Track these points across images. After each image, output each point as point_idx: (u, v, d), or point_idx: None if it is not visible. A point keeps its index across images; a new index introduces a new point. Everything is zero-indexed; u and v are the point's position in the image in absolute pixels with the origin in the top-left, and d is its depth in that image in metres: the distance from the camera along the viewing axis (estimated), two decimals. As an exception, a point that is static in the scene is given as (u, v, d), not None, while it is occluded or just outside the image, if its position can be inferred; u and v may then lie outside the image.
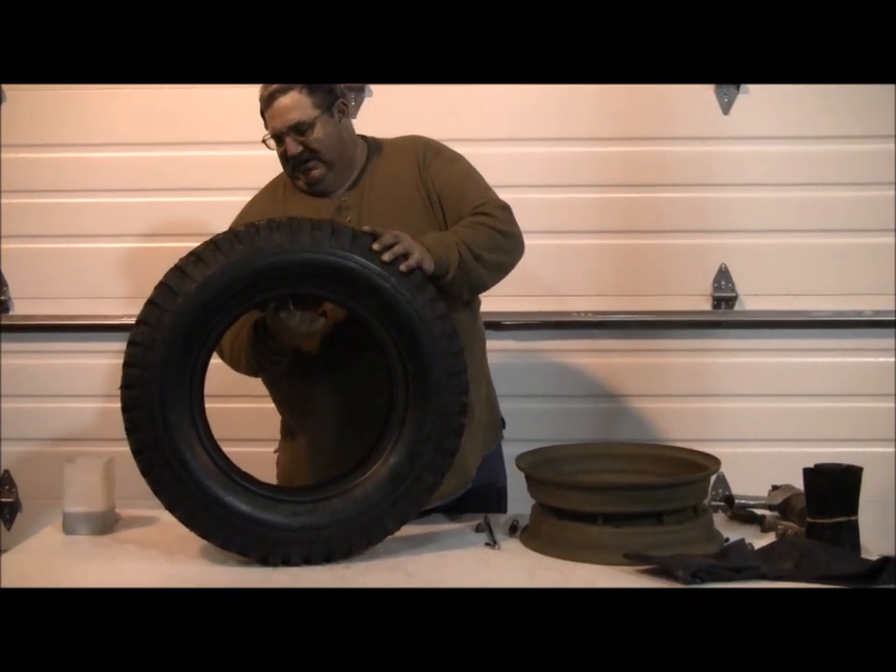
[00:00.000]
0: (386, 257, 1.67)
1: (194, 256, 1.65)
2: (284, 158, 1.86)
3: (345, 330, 1.82)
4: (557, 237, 2.57)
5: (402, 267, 1.68)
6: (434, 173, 1.86)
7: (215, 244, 1.66)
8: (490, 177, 1.95)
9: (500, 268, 1.82)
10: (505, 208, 1.85)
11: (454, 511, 1.94)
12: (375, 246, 1.67)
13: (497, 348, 2.43)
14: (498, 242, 1.80)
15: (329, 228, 1.67)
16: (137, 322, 1.65)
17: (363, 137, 1.94)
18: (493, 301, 2.08)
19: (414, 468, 1.71)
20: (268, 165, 1.95)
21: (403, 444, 1.71)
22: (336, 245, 1.65)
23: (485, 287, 1.85)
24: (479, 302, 1.98)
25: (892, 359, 2.54)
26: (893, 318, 2.52)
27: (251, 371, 1.86)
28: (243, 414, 2.50)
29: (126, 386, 1.65)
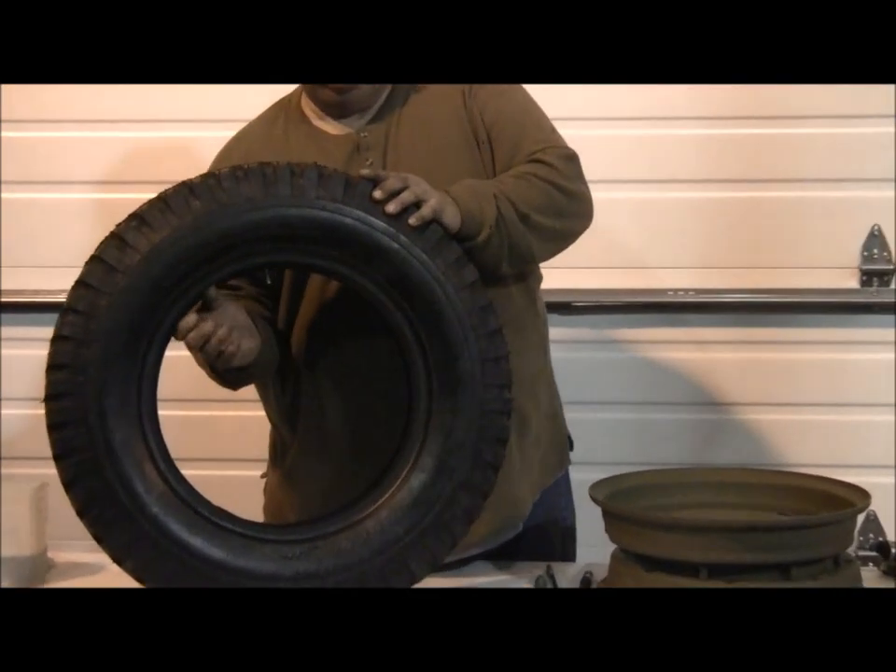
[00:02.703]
0: (392, 207, 1.64)
1: (136, 219, 1.64)
2: None
3: (344, 311, 1.83)
4: (646, 188, 2.57)
5: (412, 219, 1.66)
6: (483, 102, 1.86)
7: (163, 201, 1.64)
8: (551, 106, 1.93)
9: (557, 236, 1.82)
10: (571, 158, 1.84)
11: (502, 558, 1.92)
12: (377, 194, 1.65)
13: (564, 338, 2.44)
14: (556, 201, 1.79)
15: (314, 173, 1.66)
16: (64, 310, 1.64)
17: None
18: (558, 276, 2.06)
19: (445, 488, 1.70)
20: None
21: (429, 457, 1.71)
22: (325, 195, 1.64)
23: (533, 260, 1.84)
24: (538, 277, 1.96)
25: None
26: None
27: (222, 384, 1.85)
28: (218, 426, 2.53)
29: (52, 397, 1.63)
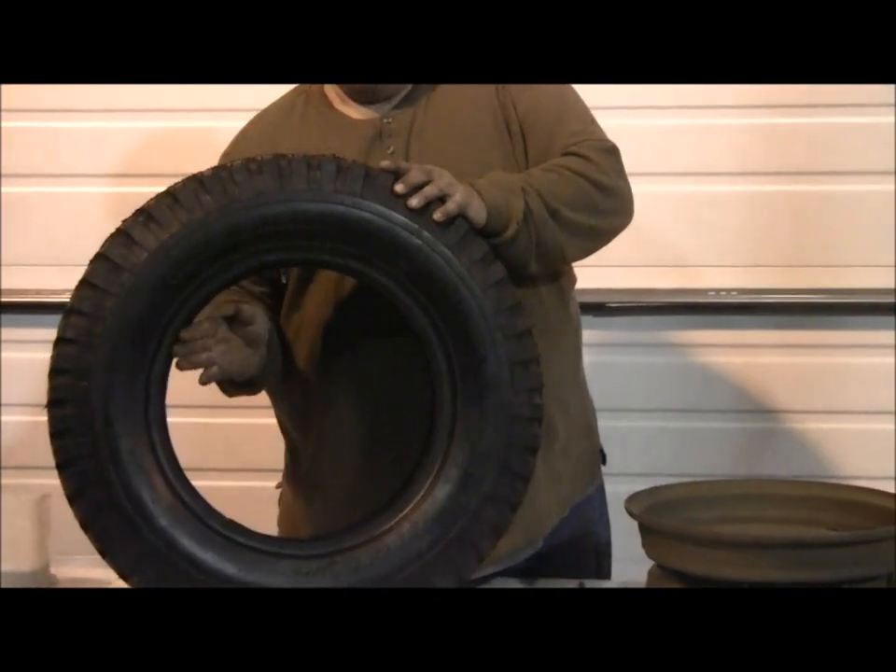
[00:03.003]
0: (415, 202, 1.63)
1: (143, 214, 1.63)
2: None
3: (361, 311, 1.82)
4: (686, 181, 2.55)
5: (437, 214, 1.64)
6: (517, 90, 1.84)
7: (172, 196, 1.63)
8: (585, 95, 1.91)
9: (590, 234, 1.80)
10: (610, 151, 1.82)
11: (530, 574, 1.89)
12: (398, 188, 1.64)
13: (598, 342, 2.44)
14: (591, 198, 1.77)
15: (332, 166, 1.64)
16: (67, 311, 1.63)
17: None
18: (591, 274, 2.04)
19: (471, 500, 1.69)
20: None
21: (453, 467, 1.69)
22: (343, 188, 1.63)
23: (564, 259, 1.82)
24: (572, 278, 1.94)
25: None
26: None
27: (222, 391, 1.84)
28: (231, 434, 2.52)
29: (55, 403, 1.62)
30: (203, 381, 1.69)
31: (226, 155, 1.87)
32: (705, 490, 1.87)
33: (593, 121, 1.86)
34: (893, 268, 2.53)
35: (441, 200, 1.64)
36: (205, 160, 1.76)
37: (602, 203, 1.78)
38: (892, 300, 2.54)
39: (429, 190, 1.63)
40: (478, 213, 1.67)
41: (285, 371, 1.86)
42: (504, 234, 1.69)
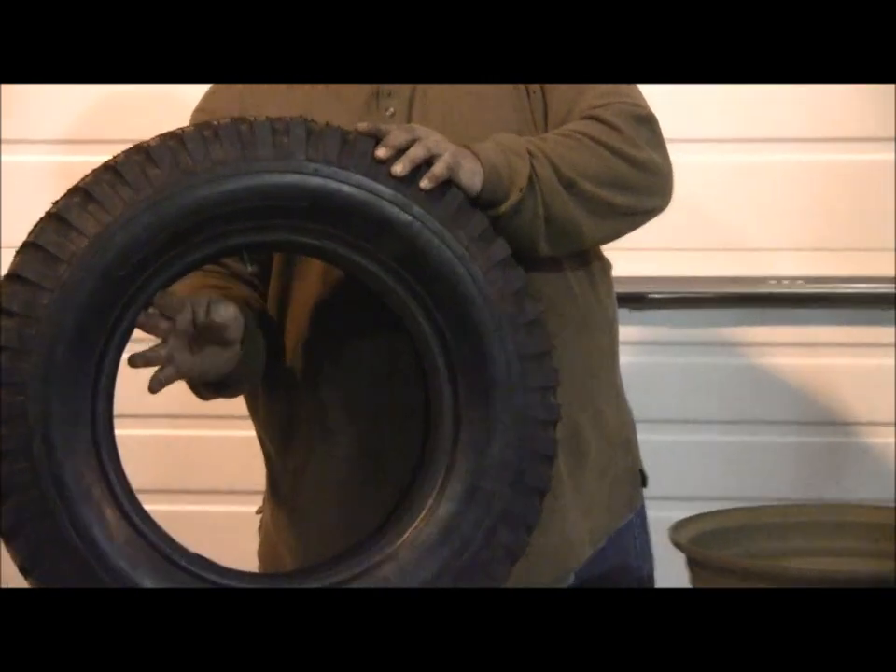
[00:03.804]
0: (399, 167, 1.60)
1: (80, 193, 1.59)
2: None
3: (348, 303, 1.80)
4: (741, 149, 2.54)
5: (423, 181, 1.62)
6: None
7: (112, 170, 1.59)
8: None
9: (617, 214, 1.77)
10: (642, 120, 1.79)
11: None
12: (380, 152, 1.61)
13: (636, 339, 2.43)
14: (616, 170, 1.74)
15: (301, 129, 1.61)
16: None
17: None
18: (628, 260, 2.02)
19: (480, 519, 1.67)
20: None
21: (457, 482, 1.67)
22: (316, 156, 1.60)
23: (582, 240, 1.77)
24: (605, 265, 1.91)
25: None
26: None
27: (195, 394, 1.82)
28: (201, 448, 2.53)
29: None
30: (154, 386, 1.64)
31: (199, 111, 1.87)
32: (764, 517, 1.88)
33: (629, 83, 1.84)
34: None
35: (429, 164, 1.62)
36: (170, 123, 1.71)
37: (631, 178, 1.74)
38: None
39: (416, 152, 1.60)
40: (470, 177, 1.63)
41: (268, 369, 1.83)
42: (505, 204, 1.65)
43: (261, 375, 1.82)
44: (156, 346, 1.65)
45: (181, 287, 1.72)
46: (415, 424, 1.73)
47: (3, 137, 2.62)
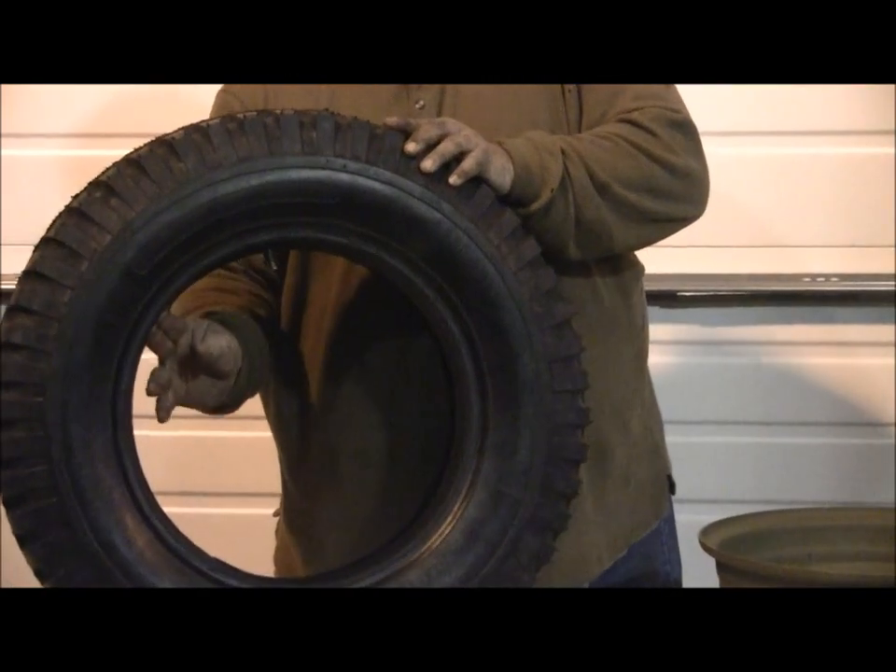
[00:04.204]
0: (429, 163, 1.59)
1: (102, 187, 1.57)
2: None
3: (372, 302, 1.79)
4: (777, 142, 2.54)
5: (452, 177, 1.60)
6: None
7: (135, 164, 1.58)
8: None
9: (649, 221, 1.76)
10: (679, 125, 1.77)
11: None
12: (410, 146, 1.60)
13: (667, 338, 2.43)
14: (653, 176, 1.73)
15: (328, 123, 1.60)
16: (11, 309, 1.57)
17: None
18: (659, 258, 2.01)
19: (507, 526, 1.66)
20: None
21: (482, 487, 1.67)
22: (345, 151, 1.59)
23: (612, 245, 1.76)
24: (637, 270, 1.90)
25: None
26: None
27: None
28: (221, 450, 2.52)
29: (1, 424, 1.57)
30: (163, 416, 1.64)
31: (224, 91, 1.87)
32: (798, 520, 1.87)
33: (667, 85, 1.82)
34: None
35: (458, 160, 1.60)
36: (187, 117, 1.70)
37: (666, 184, 1.73)
38: None
39: (445, 147, 1.59)
40: (500, 174, 1.62)
41: (283, 368, 1.83)
42: (532, 206, 1.64)
43: (262, 387, 1.82)
44: (157, 370, 1.64)
45: (187, 297, 1.72)
46: (439, 426, 1.73)
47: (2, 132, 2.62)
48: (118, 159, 1.63)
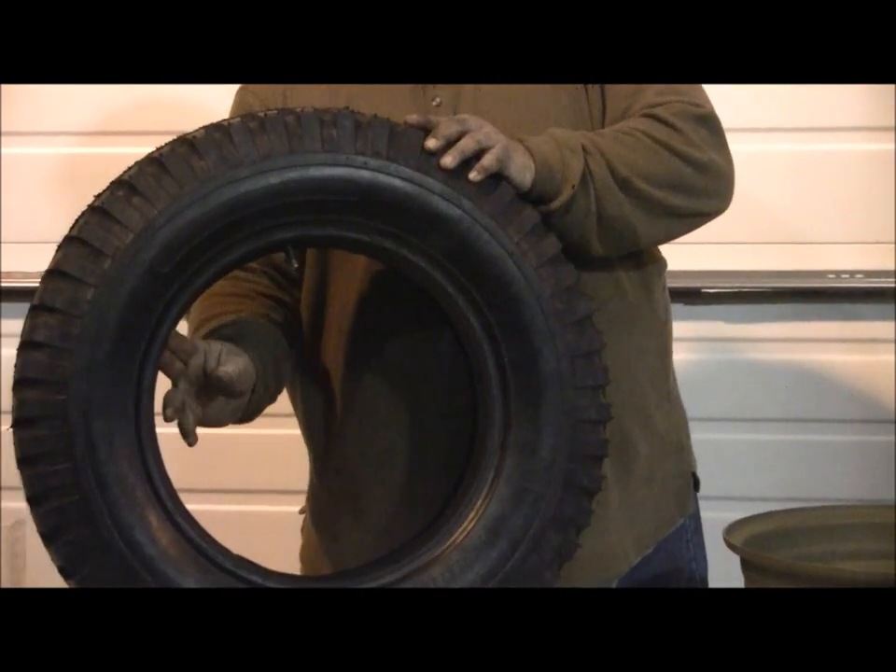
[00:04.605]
0: (448, 159, 1.59)
1: (124, 186, 1.57)
2: None
3: (393, 299, 1.79)
4: (800, 138, 2.54)
5: (472, 174, 1.61)
6: None
7: (157, 163, 1.58)
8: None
9: (673, 216, 1.76)
10: (703, 119, 1.77)
11: None
12: (430, 143, 1.60)
13: (690, 335, 2.41)
14: (677, 172, 1.73)
15: (348, 121, 1.60)
16: (35, 308, 1.57)
17: None
18: (683, 254, 2.01)
19: (529, 522, 1.66)
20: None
21: (505, 483, 1.67)
22: (365, 148, 1.59)
23: (637, 242, 1.76)
24: (660, 266, 1.90)
25: None
26: None
27: None
28: (246, 447, 2.51)
29: (24, 422, 1.56)
30: (192, 441, 1.64)
31: (243, 88, 1.87)
32: (823, 518, 1.86)
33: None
34: None
35: (478, 157, 1.60)
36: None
37: (689, 179, 1.73)
38: None
39: (465, 144, 1.59)
40: (520, 171, 1.62)
41: (307, 364, 1.83)
42: (556, 200, 1.64)
43: (278, 391, 1.81)
44: (170, 393, 1.63)
45: (203, 302, 1.73)
46: (460, 423, 1.73)
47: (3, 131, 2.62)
48: (117, 158, 1.63)
